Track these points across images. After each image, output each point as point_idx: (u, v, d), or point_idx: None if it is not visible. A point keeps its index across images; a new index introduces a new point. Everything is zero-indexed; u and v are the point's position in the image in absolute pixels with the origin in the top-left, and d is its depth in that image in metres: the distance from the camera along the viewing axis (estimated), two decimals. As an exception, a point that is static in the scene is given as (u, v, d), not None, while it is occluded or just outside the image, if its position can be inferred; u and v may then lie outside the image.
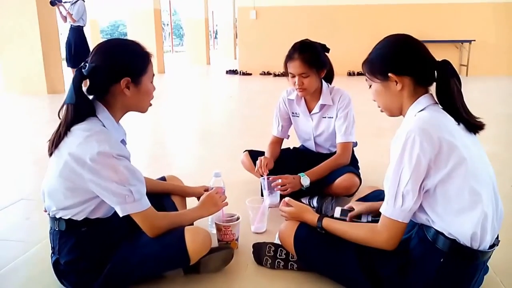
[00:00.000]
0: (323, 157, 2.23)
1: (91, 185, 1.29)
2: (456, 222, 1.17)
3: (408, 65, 1.27)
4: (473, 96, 6.13)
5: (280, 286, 1.48)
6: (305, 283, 1.49)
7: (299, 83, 2.12)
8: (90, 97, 1.38)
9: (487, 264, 1.32)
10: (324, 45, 2.20)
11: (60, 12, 6.90)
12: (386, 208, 1.22)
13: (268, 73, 10.23)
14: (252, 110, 5.60)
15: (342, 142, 2.21)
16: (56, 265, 1.41)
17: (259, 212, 1.85)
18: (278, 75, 9.75)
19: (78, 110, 1.31)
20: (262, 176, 2.13)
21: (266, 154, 2.33)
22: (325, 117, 2.27)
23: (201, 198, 1.63)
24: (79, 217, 1.34)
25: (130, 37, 9.96)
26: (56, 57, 7.01)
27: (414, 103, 1.28)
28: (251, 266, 1.61)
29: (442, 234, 1.19)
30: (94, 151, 1.25)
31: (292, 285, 1.48)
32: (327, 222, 1.41)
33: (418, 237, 1.27)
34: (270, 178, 2.09)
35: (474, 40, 9.19)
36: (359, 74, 9.52)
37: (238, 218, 1.71)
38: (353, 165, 2.29)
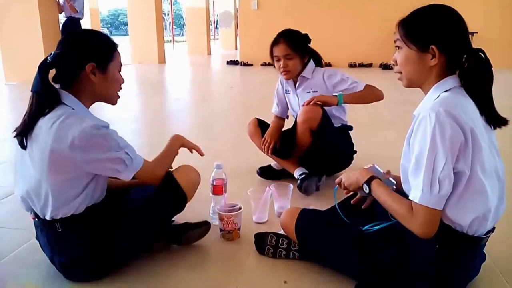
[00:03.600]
0: None
1: (86, 166, 1.29)
2: (458, 210, 1.16)
3: (455, 44, 1.20)
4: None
5: (281, 275, 1.49)
6: (306, 272, 1.50)
7: (283, 65, 2.21)
8: (57, 86, 1.35)
9: (484, 251, 1.33)
10: (306, 35, 2.27)
11: (59, 3, 6.87)
12: (421, 196, 1.13)
13: (269, 64, 10.10)
14: (253, 100, 5.59)
15: (362, 85, 2.22)
16: (61, 265, 1.41)
17: (261, 202, 1.86)
18: (279, 66, 9.70)
19: (42, 99, 1.29)
20: (269, 187, 1.93)
21: (271, 125, 2.40)
22: (309, 92, 2.29)
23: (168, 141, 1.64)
24: (82, 209, 1.34)
25: (131, 26, 9.91)
26: (57, 47, 6.99)
27: (441, 81, 1.22)
28: (252, 255, 1.62)
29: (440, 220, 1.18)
30: (75, 132, 1.24)
31: (293, 274, 1.50)
32: (376, 184, 1.34)
33: None
34: (275, 192, 1.93)
35: (477, 32, 9.13)
36: (360, 65, 9.49)
37: (240, 208, 1.72)
38: (347, 148, 2.35)
